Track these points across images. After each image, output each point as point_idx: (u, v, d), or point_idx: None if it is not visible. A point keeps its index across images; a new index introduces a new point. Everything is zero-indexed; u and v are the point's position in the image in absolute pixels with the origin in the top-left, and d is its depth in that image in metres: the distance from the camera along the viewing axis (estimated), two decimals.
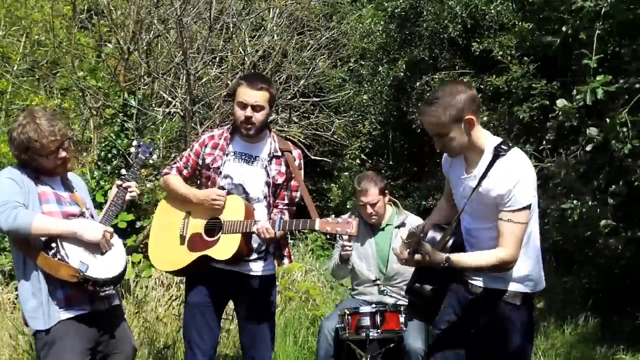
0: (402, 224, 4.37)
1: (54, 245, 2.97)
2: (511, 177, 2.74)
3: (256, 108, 3.49)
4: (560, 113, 5.21)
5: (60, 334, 2.99)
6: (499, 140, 2.89)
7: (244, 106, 3.48)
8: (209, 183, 3.62)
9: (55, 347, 2.98)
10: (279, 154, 3.62)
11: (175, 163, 3.76)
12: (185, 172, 3.70)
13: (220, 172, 3.58)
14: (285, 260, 3.72)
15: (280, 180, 3.60)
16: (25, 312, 3.05)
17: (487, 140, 2.88)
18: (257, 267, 3.61)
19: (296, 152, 3.68)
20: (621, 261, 6.53)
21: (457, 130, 2.79)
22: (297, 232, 9.59)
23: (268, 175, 3.58)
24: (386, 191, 4.38)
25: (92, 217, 3.26)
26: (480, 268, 2.82)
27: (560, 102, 5.14)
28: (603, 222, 5.66)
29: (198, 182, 3.79)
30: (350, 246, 4.20)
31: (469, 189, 2.87)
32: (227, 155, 3.60)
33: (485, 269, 2.82)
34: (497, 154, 2.80)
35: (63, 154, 3.09)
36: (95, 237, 3.06)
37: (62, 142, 3.06)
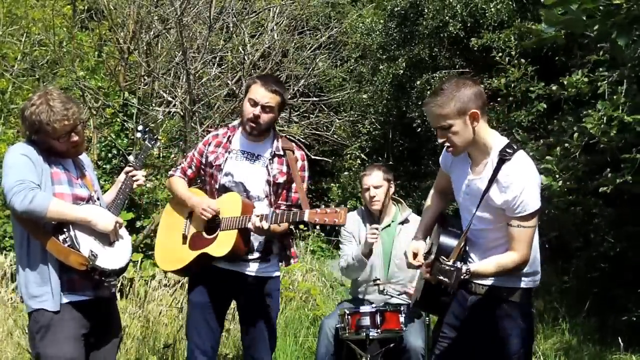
0: (406, 220, 4.38)
1: (65, 230, 2.94)
2: (518, 184, 2.74)
3: (265, 109, 3.49)
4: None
5: (57, 319, 2.97)
6: (505, 140, 2.88)
7: (254, 104, 3.50)
8: (212, 181, 3.64)
9: (51, 332, 2.97)
10: (281, 153, 3.61)
11: (180, 164, 3.80)
12: (189, 172, 3.74)
13: (222, 170, 3.59)
14: (292, 261, 3.73)
15: (281, 179, 3.58)
16: (25, 290, 3.01)
17: (494, 140, 2.86)
18: (256, 268, 3.61)
19: (299, 153, 3.66)
20: (614, 250, 6.57)
21: (461, 123, 2.77)
22: (297, 232, 9.60)
23: (269, 173, 3.58)
24: (391, 182, 4.38)
25: (99, 199, 3.23)
26: (497, 273, 2.84)
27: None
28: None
29: (201, 180, 3.81)
30: (377, 232, 4.12)
31: (477, 190, 2.86)
32: (229, 152, 3.61)
33: (503, 273, 2.84)
34: (503, 158, 2.79)
35: (75, 138, 3.04)
36: (107, 227, 3.05)
37: (74, 126, 3.01)
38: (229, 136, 3.66)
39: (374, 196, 4.29)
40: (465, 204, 2.96)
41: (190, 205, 3.60)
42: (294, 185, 3.60)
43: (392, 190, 4.40)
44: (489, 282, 2.92)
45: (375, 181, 4.31)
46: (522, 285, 2.91)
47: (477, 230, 2.93)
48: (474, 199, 2.88)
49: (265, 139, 3.63)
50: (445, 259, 2.71)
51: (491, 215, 2.85)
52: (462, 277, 2.69)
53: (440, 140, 2.87)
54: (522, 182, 2.75)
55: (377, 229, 4.15)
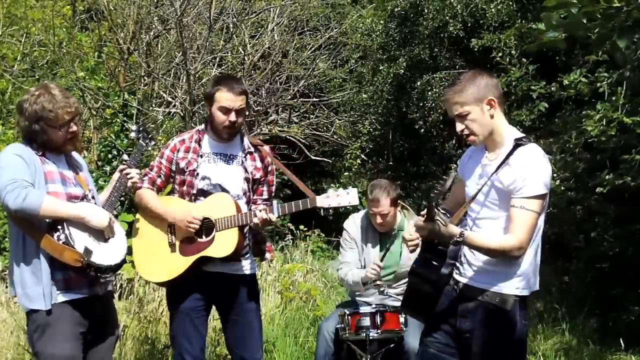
0: None
1: (60, 228, 2.96)
2: (528, 164, 2.77)
3: (240, 112, 3.53)
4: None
5: (55, 317, 2.97)
6: (521, 134, 2.92)
7: (227, 111, 3.51)
8: (185, 187, 3.60)
9: (49, 330, 2.97)
10: (252, 149, 3.67)
11: (145, 175, 3.66)
12: (159, 181, 3.66)
13: (197, 174, 3.58)
14: (267, 255, 3.75)
15: (257, 175, 3.65)
16: (21, 290, 3.01)
17: (510, 131, 2.91)
18: (245, 266, 3.63)
19: (267, 147, 3.76)
20: (614, 249, 6.57)
21: (478, 110, 2.82)
22: (297, 232, 9.60)
23: (246, 171, 3.62)
24: (398, 201, 4.27)
25: (94, 198, 3.24)
26: (490, 249, 2.80)
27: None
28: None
29: (171, 187, 3.75)
30: (377, 269, 4.08)
31: (486, 174, 2.87)
32: (201, 157, 3.60)
33: (494, 252, 2.80)
34: (518, 144, 2.82)
35: (74, 127, 3.09)
36: (102, 223, 3.07)
37: (75, 115, 3.07)
38: (197, 139, 3.64)
39: (381, 222, 4.24)
40: (474, 191, 2.94)
41: (172, 220, 3.53)
42: (268, 178, 3.70)
43: (399, 208, 4.31)
44: (471, 282, 2.90)
45: (382, 209, 4.18)
46: (516, 292, 2.85)
47: (479, 219, 2.92)
48: (483, 181, 2.88)
49: (234, 138, 3.66)
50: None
51: (497, 200, 2.84)
52: (455, 238, 2.73)
53: (458, 129, 2.88)
54: (532, 164, 2.78)
55: (379, 266, 4.10)
